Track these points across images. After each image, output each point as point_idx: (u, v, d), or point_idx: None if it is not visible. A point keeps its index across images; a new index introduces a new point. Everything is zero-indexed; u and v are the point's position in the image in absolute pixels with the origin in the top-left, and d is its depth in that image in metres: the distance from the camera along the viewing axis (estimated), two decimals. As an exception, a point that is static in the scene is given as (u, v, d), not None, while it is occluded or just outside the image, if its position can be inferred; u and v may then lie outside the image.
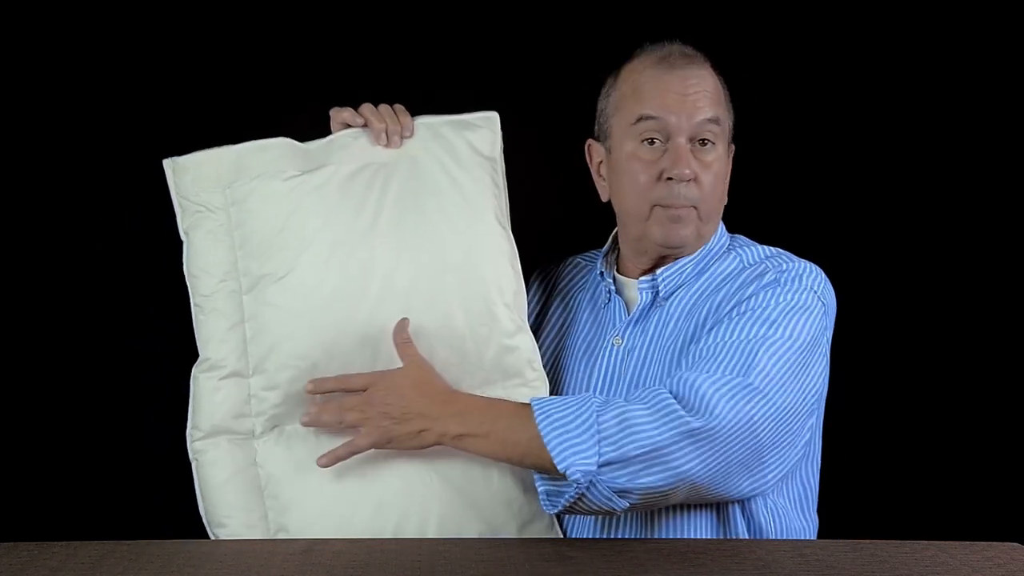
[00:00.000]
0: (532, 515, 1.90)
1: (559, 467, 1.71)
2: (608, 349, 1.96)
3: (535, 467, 1.78)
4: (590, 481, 1.71)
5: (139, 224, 2.72)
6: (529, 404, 1.78)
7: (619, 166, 1.96)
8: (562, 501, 1.74)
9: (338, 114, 1.97)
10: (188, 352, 1.98)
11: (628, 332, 1.95)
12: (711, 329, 1.83)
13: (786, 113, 2.68)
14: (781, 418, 1.77)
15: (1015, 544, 1.73)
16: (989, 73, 2.72)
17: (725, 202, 1.99)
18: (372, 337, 1.86)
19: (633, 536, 1.89)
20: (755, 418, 1.74)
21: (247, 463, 1.89)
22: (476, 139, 1.96)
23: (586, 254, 2.15)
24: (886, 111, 2.74)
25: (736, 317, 1.82)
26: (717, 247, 1.97)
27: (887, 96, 2.74)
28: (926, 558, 1.66)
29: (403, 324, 1.85)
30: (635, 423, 1.71)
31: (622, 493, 1.72)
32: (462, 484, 1.87)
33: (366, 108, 1.97)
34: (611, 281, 2.00)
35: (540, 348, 1.97)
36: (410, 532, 1.84)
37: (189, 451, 1.92)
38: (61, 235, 2.74)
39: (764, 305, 1.82)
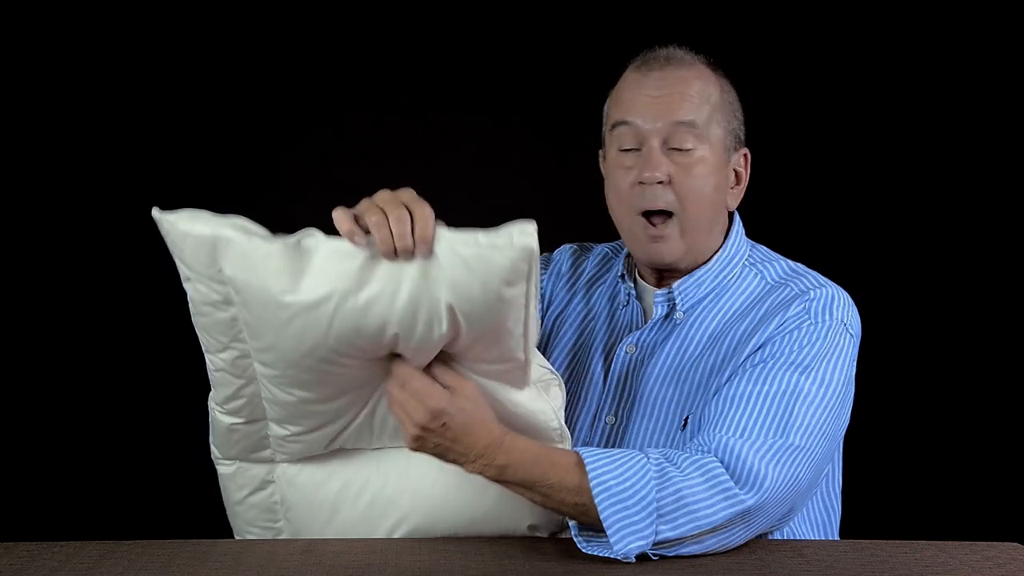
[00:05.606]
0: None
1: (615, 548, 1.63)
2: (620, 356, 1.91)
3: (574, 519, 1.69)
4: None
5: (151, 225, 2.72)
6: (582, 461, 1.67)
7: (606, 174, 1.92)
8: (602, 552, 1.66)
9: (341, 221, 1.56)
10: (191, 353, 1.98)
11: (641, 341, 1.91)
12: (741, 374, 1.76)
13: (799, 119, 2.68)
14: (819, 465, 1.77)
15: (1015, 544, 1.73)
16: (1009, 82, 2.73)
17: (729, 208, 1.91)
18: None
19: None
20: (799, 476, 1.72)
21: (266, 480, 1.84)
22: (500, 263, 1.56)
23: (614, 244, 2.06)
24: (902, 117, 2.74)
25: (768, 362, 1.76)
26: (737, 257, 1.90)
27: (905, 103, 2.74)
28: (926, 558, 1.66)
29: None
30: (692, 501, 1.66)
31: (662, 556, 1.67)
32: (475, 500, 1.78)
33: (371, 215, 1.54)
34: (632, 285, 1.95)
35: (560, 339, 1.91)
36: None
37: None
38: (68, 235, 2.74)
39: (797, 348, 1.76)
